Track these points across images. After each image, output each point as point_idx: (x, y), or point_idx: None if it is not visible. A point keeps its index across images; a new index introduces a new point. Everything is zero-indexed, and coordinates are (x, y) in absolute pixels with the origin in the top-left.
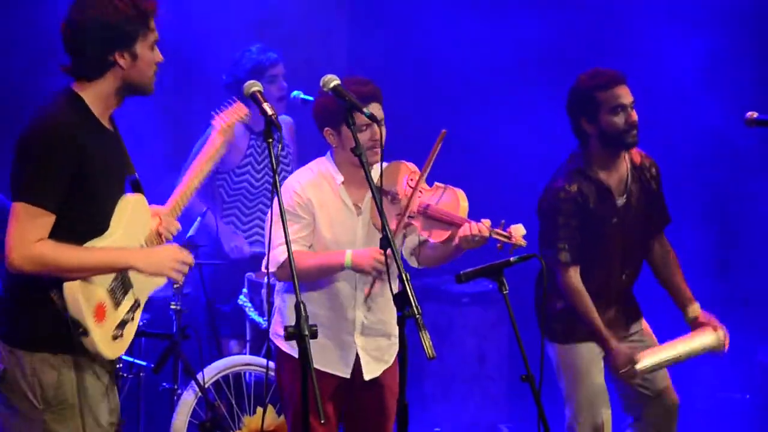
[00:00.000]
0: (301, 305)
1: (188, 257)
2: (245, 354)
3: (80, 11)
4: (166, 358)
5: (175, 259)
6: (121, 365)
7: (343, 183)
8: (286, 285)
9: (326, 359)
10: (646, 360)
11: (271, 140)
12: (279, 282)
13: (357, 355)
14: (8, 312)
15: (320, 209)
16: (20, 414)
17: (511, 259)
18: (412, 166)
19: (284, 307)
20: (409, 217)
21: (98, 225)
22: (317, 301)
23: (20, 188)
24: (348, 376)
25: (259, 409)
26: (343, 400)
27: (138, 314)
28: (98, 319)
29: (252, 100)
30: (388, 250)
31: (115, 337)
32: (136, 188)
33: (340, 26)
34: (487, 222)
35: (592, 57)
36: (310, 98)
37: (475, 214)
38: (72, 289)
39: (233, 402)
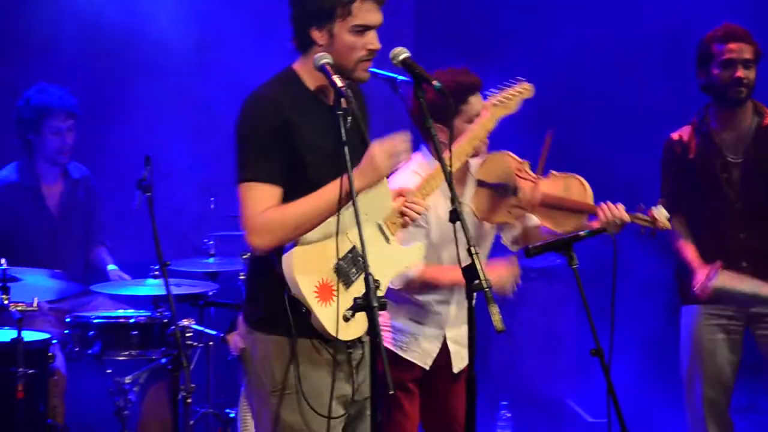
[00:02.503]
0: (371, 277)
1: (397, 142)
2: None
3: None
4: (235, 328)
5: (382, 153)
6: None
7: None
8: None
9: (411, 347)
10: (724, 281)
11: (340, 113)
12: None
13: (445, 346)
14: (249, 293)
15: None
16: (255, 393)
17: (581, 233)
18: (516, 156)
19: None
20: (530, 209)
21: None
22: (415, 295)
23: (237, 170)
24: (427, 368)
25: None
26: (427, 388)
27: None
28: (322, 298)
29: (321, 72)
30: (457, 224)
31: (347, 318)
32: None
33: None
34: (621, 206)
35: None
36: (379, 71)
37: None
38: (288, 268)
39: None
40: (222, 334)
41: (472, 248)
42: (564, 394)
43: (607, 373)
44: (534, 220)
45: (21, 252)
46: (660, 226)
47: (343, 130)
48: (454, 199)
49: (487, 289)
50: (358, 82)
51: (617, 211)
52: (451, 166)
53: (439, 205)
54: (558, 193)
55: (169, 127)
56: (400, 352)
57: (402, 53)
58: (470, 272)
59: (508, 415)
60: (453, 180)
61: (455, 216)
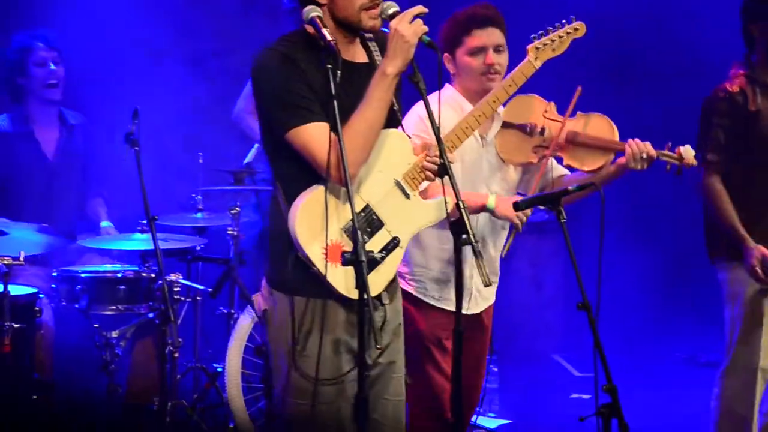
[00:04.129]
0: (359, 232)
1: (413, 9)
2: None
3: None
4: (223, 283)
5: (402, 23)
6: (180, 293)
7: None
8: None
9: (445, 296)
10: None
11: (330, 66)
12: None
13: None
14: (272, 254)
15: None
16: (273, 353)
17: (570, 188)
18: (542, 99)
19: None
20: (556, 149)
21: None
22: (440, 237)
23: (280, 123)
24: (470, 312)
25: None
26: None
27: (398, 254)
28: (332, 259)
29: (311, 25)
30: (445, 178)
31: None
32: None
33: None
34: (648, 144)
35: None
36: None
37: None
38: (293, 231)
39: None
40: (209, 289)
41: (460, 203)
42: (551, 349)
43: (593, 328)
44: (560, 170)
45: (16, 200)
46: (686, 164)
47: (333, 85)
48: (442, 155)
49: (475, 243)
50: (370, 32)
51: (644, 147)
52: (439, 124)
53: (465, 150)
54: (584, 131)
55: (157, 81)
56: (434, 302)
57: (391, 7)
58: (458, 227)
59: (495, 369)
60: (441, 134)
61: (443, 170)
